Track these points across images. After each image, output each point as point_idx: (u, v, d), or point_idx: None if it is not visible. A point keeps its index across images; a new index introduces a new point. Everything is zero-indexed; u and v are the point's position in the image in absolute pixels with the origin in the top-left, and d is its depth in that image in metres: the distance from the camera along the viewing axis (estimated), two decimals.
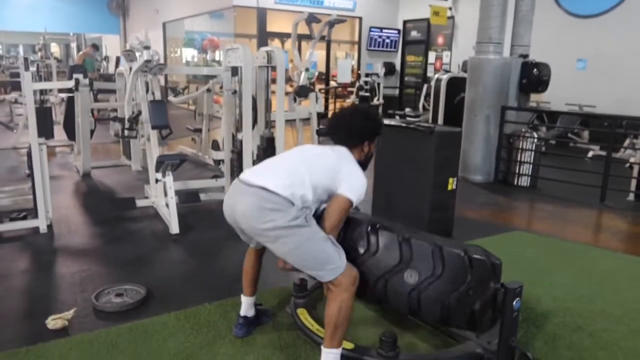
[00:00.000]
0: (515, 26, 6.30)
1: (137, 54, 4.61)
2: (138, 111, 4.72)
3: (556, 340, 2.62)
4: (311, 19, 5.53)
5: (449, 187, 4.03)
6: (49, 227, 4.05)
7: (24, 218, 4.13)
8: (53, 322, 2.61)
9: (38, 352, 2.40)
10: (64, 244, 3.84)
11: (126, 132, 4.80)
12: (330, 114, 10.87)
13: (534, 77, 6.08)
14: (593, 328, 2.75)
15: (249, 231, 2.26)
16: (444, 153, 3.94)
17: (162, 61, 4.57)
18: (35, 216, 4.01)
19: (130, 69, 4.81)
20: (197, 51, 15.58)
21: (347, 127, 2.41)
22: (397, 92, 13.10)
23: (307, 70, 5.84)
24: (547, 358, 2.46)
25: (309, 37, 6.16)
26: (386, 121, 4.42)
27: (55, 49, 20.98)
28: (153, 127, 4.21)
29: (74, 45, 16.51)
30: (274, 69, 4.74)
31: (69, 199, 5.11)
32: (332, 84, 12.58)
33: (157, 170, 4.13)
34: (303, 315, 2.69)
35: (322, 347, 2.20)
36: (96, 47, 12.49)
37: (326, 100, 11.81)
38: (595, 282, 3.38)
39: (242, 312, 2.60)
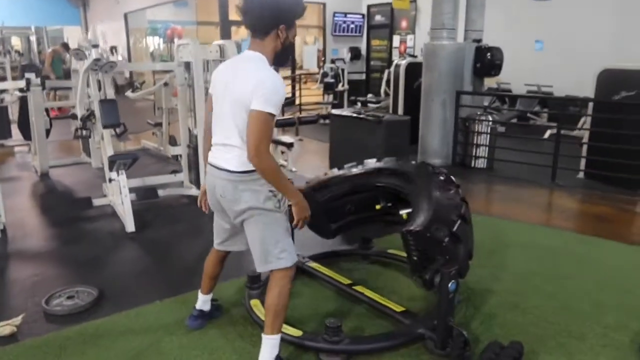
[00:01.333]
0: (468, 11, 6.41)
1: (87, 53, 4.57)
2: (91, 110, 4.69)
3: (492, 319, 2.77)
4: None
5: None
6: (2, 231, 4.03)
7: None
8: (1, 328, 2.64)
9: None
10: (18, 248, 3.84)
11: (79, 132, 4.75)
12: (296, 100, 10.90)
13: (487, 61, 6.22)
14: (526, 305, 2.91)
15: (229, 213, 2.27)
16: (393, 141, 4.06)
17: (119, 55, 4.53)
18: None
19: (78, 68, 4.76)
20: (162, 40, 15.35)
21: (258, 7, 2.09)
22: (364, 76, 13.18)
23: None
24: (482, 337, 2.60)
25: None
26: (337, 112, 4.51)
27: (16, 42, 20.39)
28: (104, 126, 4.20)
29: (33, 38, 16.06)
30: None
31: (26, 201, 5.07)
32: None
33: (110, 170, 4.13)
34: (256, 306, 2.77)
35: (262, 334, 2.28)
36: (67, 46, 12.13)
37: (292, 87, 11.81)
38: (535, 260, 3.55)
39: (198, 306, 2.69)
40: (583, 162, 5.81)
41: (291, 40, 2.20)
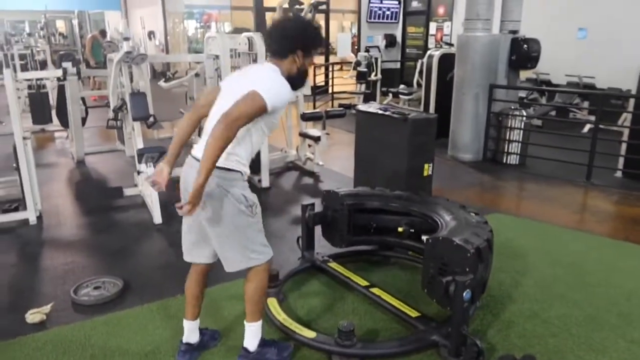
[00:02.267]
0: (504, 1, 6.18)
1: (119, 45, 4.67)
2: (122, 101, 4.81)
3: (510, 328, 2.72)
4: (293, 2, 5.50)
5: (425, 173, 4.09)
6: (39, 218, 4.22)
7: (16, 209, 4.28)
8: (32, 316, 2.78)
9: (14, 346, 2.56)
10: (51, 235, 4.00)
11: (110, 123, 4.89)
12: (329, 89, 10.84)
13: (523, 53, 6.01)
14: (548, 314, 2.84)
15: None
16: (419, 139, 3.98)
17: (156, 40, 4.57)
18: (25, 208, 4.17)
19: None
20: (199, 25, 15.52)
21: (281, 30, 2.23)
22: (398, 65, 12.97)
23: None
24: (498, 346, 2.56)
25: None
26: (363, 107, 4.46)
27: (60, 25, 21.00)
28: (133, 119, 4.30)
29: (75, 22, 16.50)
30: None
31: (61, 188, 5.26)
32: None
33: (139, 162, 4.24)
34: (272, 304, 2.81)
35: (245, 322, 2.36)
36: (104, 33, 12.40)
37: (326, 75, 11.73)
38: (562, 266, 3.45)
39: (185, 339, 2.43)
40: (622, 160, 5.58)
41: (306, 68, 2.28)
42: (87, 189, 5.28)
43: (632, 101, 5.56)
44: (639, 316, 2.83)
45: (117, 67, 4.70)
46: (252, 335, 2.35)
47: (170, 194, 4.67)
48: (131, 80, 4.69)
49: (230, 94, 2.10)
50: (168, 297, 3.00)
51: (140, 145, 4.33)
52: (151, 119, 4.66)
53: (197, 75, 6.19)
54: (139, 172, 4.40)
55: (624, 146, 5.55)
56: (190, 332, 2.45)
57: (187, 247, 2.41)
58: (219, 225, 2.18)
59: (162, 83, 6.53)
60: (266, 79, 2.12)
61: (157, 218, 4.13)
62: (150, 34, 17.12)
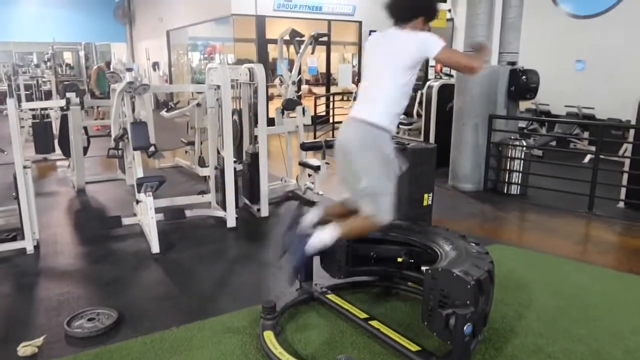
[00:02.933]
0: (502, 34, 6.27)
1: (121, 75, 4.72)
2: (123, 130, 4.83)
3: None
4: (294, 34, 5.59)
5: (425, 203, 4.07)
6: (36, 247, 4.18)
7: (14, 238, 4.25)
8: (23, 349, 2.71)
9: None
10: (48, 265, 3.96)
11: (111, 152, 4.90)
12: (330, 119, 10.92)
13: (522, 84, 6.05)
14: (552, 349, 2.77)
15: (349, 159, 2.80)
16: (419, 169, 3.98)
17: (160, 71, 4.64)
18: (23, 237, 4.14)
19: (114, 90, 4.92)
20: (202, 57, 15.77)
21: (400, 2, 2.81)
22: None
23: (294, 83, 5.90)
24: None
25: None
26: None
27: (67, 56, 21.41)
28: (134, 149, 4.31)
29: (82, 54, 16.83)
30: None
31: (60, 217, 5.24)
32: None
33: (138, 191, 4.23)
34: (269, 337, 2.75)
35: (334, 223, 2.84)
36: (109, 64, 12.61)
37: (327, 105, 11.84)
38: (565, 298, 3.38)
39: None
40: (624, 191, 5.55)
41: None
42: (86, 218, 5.26)
43: (632, 132, 5.57)
44: None
45: (120, 96, 4.74)
46: (331, 231, 2.80)
47: (169, 224, 4.70)
48: (133, 110, 4.73)
49: (382, 62, 2.79)
50: (163, 329, 2.94)
51: (140, 175, 4.33)
52: (152, 149, 4.66)
53: (198, 105, 6.25)
54: (137, 202, 4.38)
55: (625, 176, 5.53)
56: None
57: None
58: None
59: (164, 113, 6.59)
60: (424, 40, 2.67)
61: (155, 247, 4.10)
62: (155, 65, 17.44)
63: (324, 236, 2.81)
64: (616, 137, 7.63)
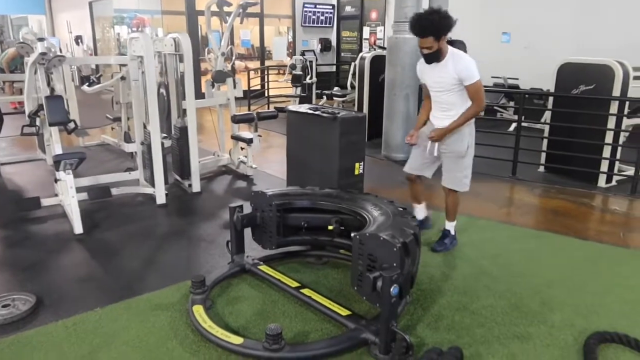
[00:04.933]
0: (431, 4, 6.33)
1: (33, 46, 4.37)
2: (39, 105, 4.50)
3: (439, 321, 2.74)
4: (222, 2, 5.38)
5: (356, 172, 4.10)
6: None
7: None
8: None
9: None
10: None
11: (25, 129, 4.56)
12: (265, 92, 10.75)
13: None
14: (475, 306, 2.89)
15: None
16: (349, 138, 3.99)
17: (84, 45, 4.30)
18: None
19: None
20: (129, 30, 14.96)
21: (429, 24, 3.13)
22: (334, 68, 13.09)
23: (223, 55, 5.71)
24: (427, 340, 2.57)
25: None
26: (294, 108, 4.42)
27: None
28: (50, 124, 4.03)
29: None
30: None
31: None
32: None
33: (56, 169, 3.98)
34: (198, 312, 2.69)
35: (446, 220, 3.69)
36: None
37: (262, 79, 11.64)
38: (488, 258, 3.54)
39: (418, 217, 3.87)
40: (544, 156, 5.86)
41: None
42: (0, 201, 4.89)
43: (551, 99, 5.85)
44: (559, 302, 2.94)
45: (32, 69, 4.39)
46: (451, 226, 3.66)
47: (94, 203, 4.47)
48: (48, 83, 4.40)
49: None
50: (86, 311, 2.80)
51: (59, 152, 4.06)
52: (71, 124, 4.38)
53: (123, 78, 5.92)
54: (57, 180, 4.12)
55: (545, 142, 5.83)
56: (419, 210, 3.90)
57: (416, 166, 3.72)
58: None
59: (85, 87, 6.18)
60: (462, 70, 3.21)
61: (78, 228, 3.89)
62: (78, 39, 16.36)
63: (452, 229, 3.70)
64: (538, 106, 8.01)
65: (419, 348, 2.47)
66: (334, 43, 13.21)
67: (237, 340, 2.43)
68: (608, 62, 5.19)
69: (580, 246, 3.81)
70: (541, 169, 5.86)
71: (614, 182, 5.37)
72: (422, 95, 6.08)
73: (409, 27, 3.17)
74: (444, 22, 3.08)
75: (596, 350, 2.44)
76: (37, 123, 4.76)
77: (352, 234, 2.63)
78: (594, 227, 4.34)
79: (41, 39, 4.23)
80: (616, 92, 5.10)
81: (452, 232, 3.67)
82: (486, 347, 2.50)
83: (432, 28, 3.08)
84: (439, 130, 3.39)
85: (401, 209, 2.95)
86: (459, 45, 6.20)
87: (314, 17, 12.82)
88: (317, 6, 12.79)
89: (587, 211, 4.68)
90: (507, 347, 2.50)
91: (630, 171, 5.25)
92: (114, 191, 4.68)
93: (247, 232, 3.29)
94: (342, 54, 13.27)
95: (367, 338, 2.44)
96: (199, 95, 5.77)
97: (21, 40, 4.65)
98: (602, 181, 5.32)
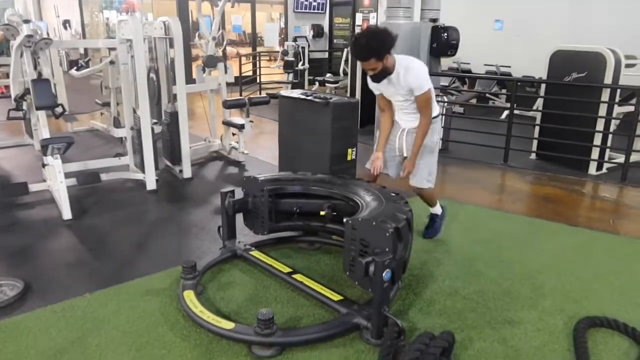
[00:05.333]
0: None
1: (19, 29, 4.27)
2: (25, 89, 4.42)
3: (431, 306, 2.74)
4: None
5: (349, 158, 4.06)
6: None
7: None
8: None
9: None
10: None
11: (11, 113, 4.48)
12: (257, 79, 10.65)
13: (443, 41, 6.12)
14: (467, 291, 2.90)
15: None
16: (342, 124, 3.95)
17: (72, 29, 4.20)
18: None
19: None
20: (118, 14, 14.73)
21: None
22: (326, 55, 13.00)
23: (214, 39, 5.63)
24: (419, 324, 2.57)
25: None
26: (286, 93, 4.37)
27: None
28: (37, 108, 3.95)
29: None
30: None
31: None
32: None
33: (44, 154, 3.91)
34: (189, 297, 2.67)
35: (430, 208, 3.62)
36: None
37: (254, 65, 11.53)
38: (481, 244, 3.55)
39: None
40: (535, 143, 5.87)
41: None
42: None
43: (543, 87, 5.85)
44: (550, 288, 2.96)
45: (18, 52, 4.31)
46: (436, 210, 3.60)
47: (83, 189, 4.41)
48: (35, 67, 4.31)
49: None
50: (75, 296, 2.77)
51: (46, 136, 3.99)
52: (59, 109, 4.31)
53: (112, 62, 5.82)
54: (44, 165, 4.06)
55: (537, 130, 5.84)
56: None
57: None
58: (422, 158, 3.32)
59: (74, 72, 6.09)
60: (410, 79, 3.05)
61: (67, 213, 3.84)
62: (66, 23, 16.07)
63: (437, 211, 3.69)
64: (530, 94, 8.01)
65: (411, 333, 2.47)
66: (326, 29, 13.10)
67: (228, 325, 2.41)
68: (600, 50, 5.19)
69: (571, 233, 3.82)
70: (533, 156, 5.88)
71: (604, 170, 5.40)
72: None
73: (350, 51, 3.13)
74: (382, 44, 2.93)
75: (586, 335, 2.46)
76: (24, 107, 4.69)
77: (345, 219, 2.61)
78: (585, 214, 4.37)
79: (27, 21, 4.14)
80: (608, 79, 5.11)
81: (439, 212, 3.62)
82: (477, 331, 2.51)
83: (372, 50, 2.94)
84: (411, 161, 3.30)
85: (394, 195, 2.93)
86: (452, 31, 6.18)
87: (306, 2, 12.69)
88: None
89: (577, 198, 4.70)
90: (498, 332, 2.51)
91: (621, 159, 5.28)
92: (104, 177, 4.62)
93: (239, 217, 3.26)
94: (335, 41, 13.16)
95: (359, 323, 2.44)
96: (190, 80, 5.69)
97: (6, 22, 4.52)
98: (592, 169, 5.34)
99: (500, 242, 3.61)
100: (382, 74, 3.07)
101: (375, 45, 2.93)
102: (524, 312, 2.69)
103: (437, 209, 3.63)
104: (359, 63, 7.22)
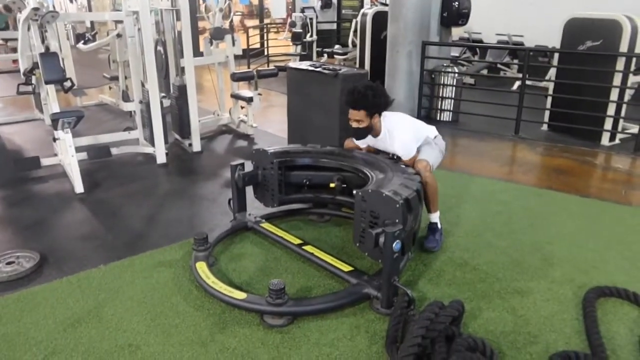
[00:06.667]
0: None
1: (24, 2, 4.25)
2: (34, 64, 4.41)
3: (440, 276, 2.76)
4: None
5: None
6: None
7: None
8: None
9: None
10: None
11: (21, 88, 4.49)
12: (265, 51, 10.53)
13: (454, 10, 6.02)
14: (477, 262, 2.91)
15: None
16: None
17: (78, 3, 4.16)
18: None
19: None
20: None
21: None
22: (335, 26, 12.79)
23: (221, 10, 5.56)
24: (429, 294, 2.60)
25: None
26: (294, 65, 4.33)
27: None
28: (46, 82, 3.96)
29: None
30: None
31: None
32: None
33: (55, 128, 3.93)
34: (202, 268, 2.71)
35: (429, 214, 3.06)
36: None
37: (261, 37, 11.40)
38: (491, 215, 3.55)
39: None
40: (547, 114, 5.79)
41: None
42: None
43: (556, 56, 5.73)
44: (559, 258, 2.96)
45: (25, 25, 4.29)
46: (436, 217, 3.08)
47: (94, 163, 4.45)
48: (43, 41, 4.29)
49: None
50: (90, 268, 2.83)
51: (56, 110, 4.01)
52: (68, 83, 4.31)
53: (119, 36, 5.78)
54: (55, 139, 4.08)
55: (549, 100, 5.75)
56: None
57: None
58: None
59: (81, 45, 6.06)
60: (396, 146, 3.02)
61: (79, 187, 3.88)
62: None
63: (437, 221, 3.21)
64: (543, 64, 7.86)
65: (421, 302, 2.50)
66: (334, 0, 12.85)
67: (240, 295, 2.45)
68: (616, 17, 5.05)
69: (582, 204, 3.80)
70: (544, 127, 5.80)
71: (617, 141, 5.33)
72: (424, 51, 5.99)
73: (345, 99, 2.99)
74: (377, 100, 2.90)
75: (595, 304, 2.47)
76: (33, 82, 4.69)
77: (355, 191, 2.62)
78: (596, 184, 4.33)
79: None
80: (624, 47, 4.98)
81: (439, 225, 3.13)
82: (487, 301, 2.53)
83: (366, 102, 2.88)
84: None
85: (403, 166, 2.92)
86: (463, 0, 6.05)
87: None
88: None
89: (589, 169, 4.66)
90: (508, 302, 2.53)
91: (634, 129, 5.20)
92: (114, 151, 4.65)
93: (249, 190, 3.28)
94: (343, 11, 12.93)
95: (369, 293, 2.47)
96: (197, 53, 5.65)
97: None
98: (605, 139, 5.27)
99: (510, 213, 3.60)
100: (365, 132, 3.01)
101: (370, 98, 2.89)
102: (534, 283, 2.70)
103: (436, 217, 3.11)
104: (368, 34, 7.14)
